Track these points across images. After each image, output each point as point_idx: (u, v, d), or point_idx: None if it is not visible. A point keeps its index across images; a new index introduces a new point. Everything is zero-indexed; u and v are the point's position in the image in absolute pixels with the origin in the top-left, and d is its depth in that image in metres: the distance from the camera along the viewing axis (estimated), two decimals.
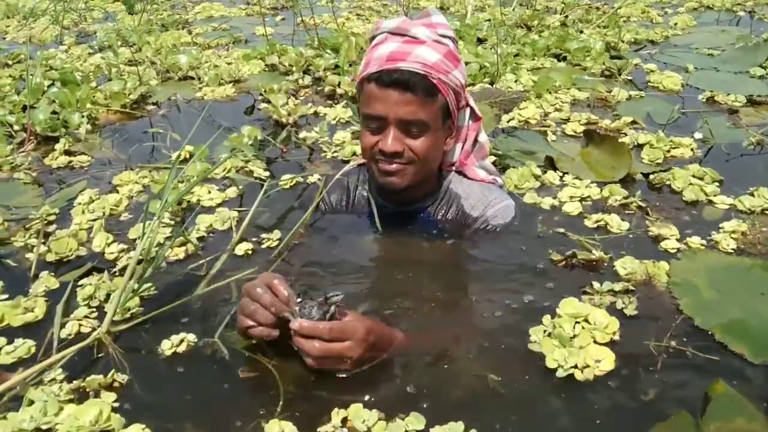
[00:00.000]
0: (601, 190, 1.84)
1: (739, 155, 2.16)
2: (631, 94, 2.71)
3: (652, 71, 3.02)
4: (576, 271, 1.47)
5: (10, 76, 3.35)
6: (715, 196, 1.80)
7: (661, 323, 1.28)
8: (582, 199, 1.80)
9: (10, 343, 1.35)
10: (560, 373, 1.13)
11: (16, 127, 2.61)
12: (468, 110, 1.53)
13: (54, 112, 2.66)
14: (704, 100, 2.68)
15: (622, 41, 3.46)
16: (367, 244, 1.63)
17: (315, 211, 1.64)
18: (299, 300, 1.12)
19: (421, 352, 1.20)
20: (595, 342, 1.19)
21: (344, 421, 1.07)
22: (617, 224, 1.63)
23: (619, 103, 2.65)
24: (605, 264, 1.49)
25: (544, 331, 1.23)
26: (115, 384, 1.20)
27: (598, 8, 4.32)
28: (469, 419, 1.03)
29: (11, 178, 2.23)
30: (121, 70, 3.33)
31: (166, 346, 1.28)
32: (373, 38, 1.45)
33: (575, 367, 1.13)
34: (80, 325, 1.41)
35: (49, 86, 3.01)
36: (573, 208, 1.74)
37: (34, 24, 4.66)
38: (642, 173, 1.97)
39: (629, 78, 2.94)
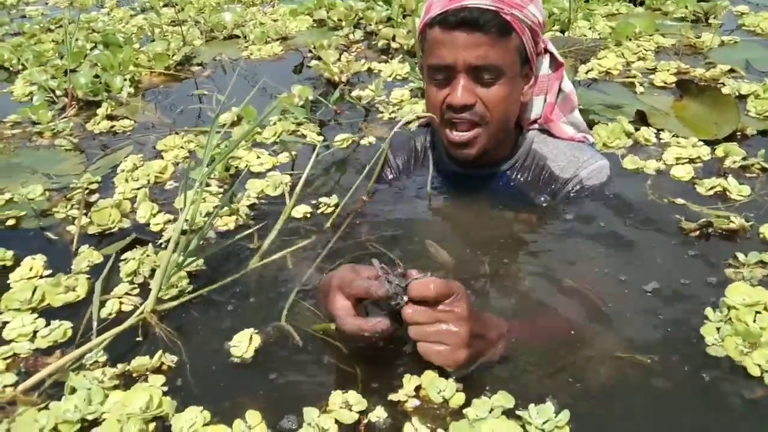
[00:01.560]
0: (714, 150, 1.58)
1: None
2: (723, 40, 2.40)
3: (744, 14, 2.68)
4: (712, 241, 1.24)
5: (53, 40, 3.26)
6: None
7: None
8: (691, 161, 1.54)
9: (47, 325, 1.22)
10: None
11: (58, 92, 2.50)
12: (548, 57, 1.32)
13: (96, 76, 2.53)
14: None
15: None
16: (438, 212, 1.43)
17: (379, 175, 1.46)
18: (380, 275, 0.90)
19: (530, 341, 0.99)
20: None
21: (417, 389, 0.91)
22: (737, 189, 1.38)
23: (711, 50, 2.34)
24: (747, 233, 1.25)
25: (717, 329, 0.99)
26: (164, 366, 1.07)
27: None
28: None
29: (53, 144, 2.11)
30: (164, 31, 3.18)
31: (237, 352, 1.08)
32: None
33: None
34: (121, 303, 1.28)
35: (91, 49, 2.89)
36: (684, 172, 1.48)
37: None
38: (759, 130, 1.70)
39: (720, 22, 2.61)
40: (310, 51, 2.71)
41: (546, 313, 1.09)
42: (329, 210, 1.50)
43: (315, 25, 3.12)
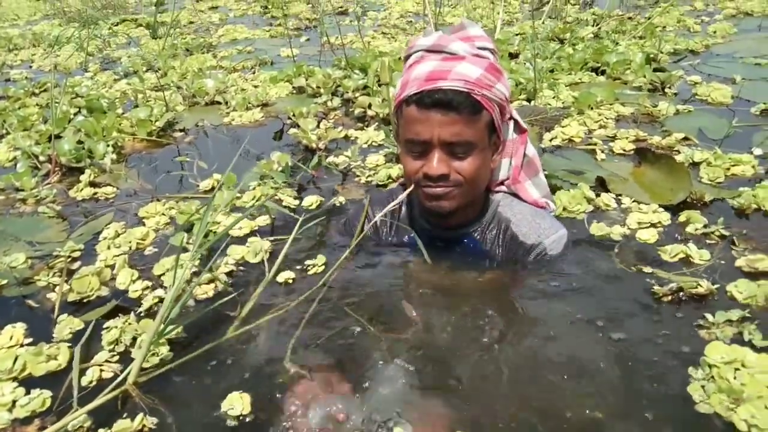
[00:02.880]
0: (677, 216, 1.70)
1: None
2: (678, 109, 2.56)
3: (697, 83, 2.86)
4: (684, 304, 1.33)
5: (37, 104, 3.33)
6: None
7: None
8: (652, 225, 1.65)
9: (27, 394, 1.25)
10: None
11: (41, 158, 2.55)
12: (512, 123, 1.43)
13: (80, 142, 2.60)
14: (758, 112, 2.52)
15: (662, 52, 3.31)
16: (411, 273, 1.50)
17: (361, 230, 1.55)
18: None
19: None
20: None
21: None
22: (698, 255, 1.48)
23: (667, 118, 2.50)
24: (715, 295, 1.35)
25: (702, 387, 1.07)
26: (145, 429, 1.12)
27: (631, 18, 4.18)
28: None
29: (36, 211, 2.15)
30: (147, 96, 3.28)
31: (230, 412, 1.13)
32: (408, 57, 1.35)
33: None
34: (102, 371, 1.31)
35: (75, 114, 2.97)
36: (649, 235, 1.59)
37: (59, 52, 4.66)
38: (713, 198, 1.82)
39: (674, 91, 2.79)
40: (290, 118, 2.82)
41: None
42: (314, 270, 1.56)
43: (294, 91, 3.24)
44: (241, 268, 1.70)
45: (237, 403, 1.13)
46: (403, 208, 1.53)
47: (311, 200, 2.03)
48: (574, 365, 1.15)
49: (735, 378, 1.06)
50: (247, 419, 1.11)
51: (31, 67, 4.37)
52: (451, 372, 1.14)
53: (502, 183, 1.49)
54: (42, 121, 3.03)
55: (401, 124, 1.33)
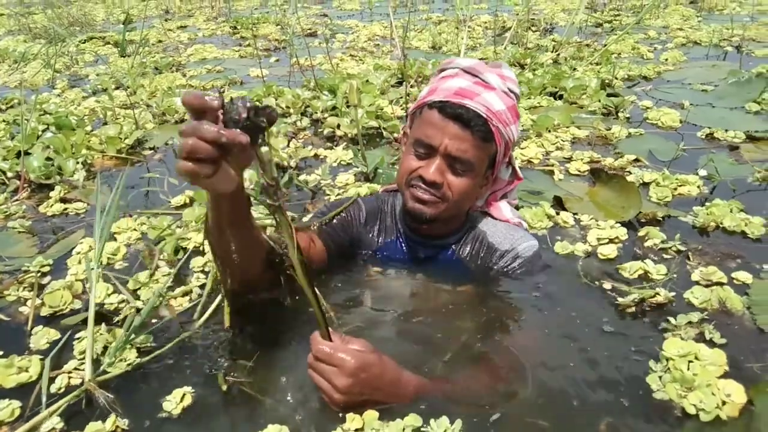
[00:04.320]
0: (636, 232, 1.84)
1: (745, 191, 2.14)
2: (630, 132, 2.71)
3: (648, 108, 3.03)
4: (647, 313, 1.47)
5: (4, 120, 3.30)
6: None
7: (752, 345, 1.31)
8: (610, 241, 1.77)
9: None
10: (705, 417, 1.10)
11: (9, 174, 2.55)
12: (510, 168, 1.53)
13: (48, 159, 2.61)
14: (703, 136, 2.69)
15: (616, 78, 3.49)
16: (391, 279, 1.56)
17: (346, 221, 1.55)
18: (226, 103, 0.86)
19: (450, 399, 1.12)
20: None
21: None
22: (656, 270, 1.61)
23: (620, 141, 2.64)
24: (672, 303, 1.49)
25: (659, 377, 1.19)
26: (118, 430, 1.17)
27: (588, 45, 4.38)
28: None
29: (5, 227, 2.16)
30: (116, 114, 3.29)
31: (169, 407, 1.21)
32: (442, 70, 1.45)
33: (717, 407, 1.11)
34: (70, 377, 1.36)
35: (43, 131, 2.97)
36: (610, 250, 1.72)
37: (26, 68, 4.63)
38: (663, 215, 1.95)
39: (627, 116, 2.95)
40: None
41: (475, 371, 1.23)
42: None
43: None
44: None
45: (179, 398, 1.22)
46: (388, 211, 1.58)
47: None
48: (546, 366, 1.25)
49: (688, 369, 1.18)
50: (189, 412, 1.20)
51: None
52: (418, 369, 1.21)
53: (478, 206, 1.58)
54: (9, 137, 3.02)
55: (416, 123, 1.40)
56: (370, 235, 1.57)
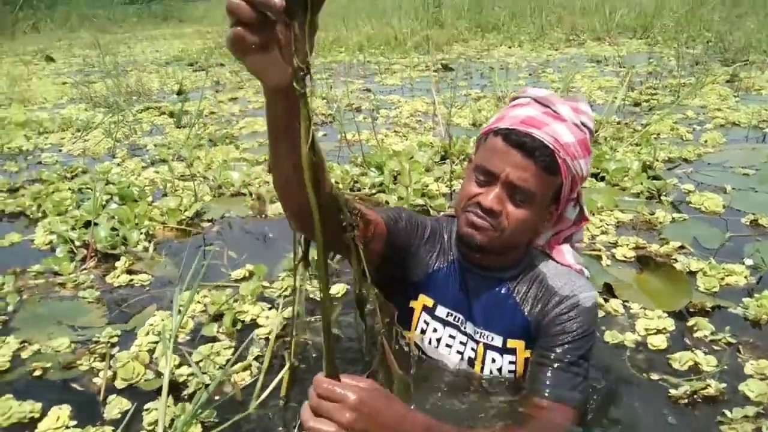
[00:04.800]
0: (685, 322, 1.88)
1: None
2: (674, 217, 2.76)
3: (690, 192, 3.09)
4: (699, 405, 1.50)
5: (69, 189, 3.51)
6: None
7: None
8: (658, 331, 1.81)
9: None
10: None
11: (77, 243, 2.71)
12: (578, 207, 1.46)
13: (114, 229, 2.78)
14: (747, 222, 2.72)
15: (657, 160, 3.56)
16: (437, 299, 1.50)
17: (412, 227, 1.47)
18: None
19: None
20: None
21: None
22: (706, 362, 1.64)
23: (664, 226, 2.69)
24: (724, 396, 1.52)
25: None
26: None
27: (627, 125, 4.48)
28: None
29: (75, 296, 2.29)
30: (175, 185, 3.48)
31: None
32: (515, 98, 1.42)
33: None
34: None
35: (107, 201, 3.15)
36: (659, 341, 1.76)
37: (88, 137, 4.92)
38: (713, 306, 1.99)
39: (669, 200, 3.01)
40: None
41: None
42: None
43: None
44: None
45: None
46: (446, 236, 1.52)
47: (338, 288, 2.19)
48: None
49: None
50: None
51: (60, 150, 4.60)
52: None
53: (540, 246, 1.50)
54: (75, 206, 3.21)
55: (480, 150, 1.37)
56: (427, 256, 1.49)
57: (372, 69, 7.97)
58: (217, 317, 2.08)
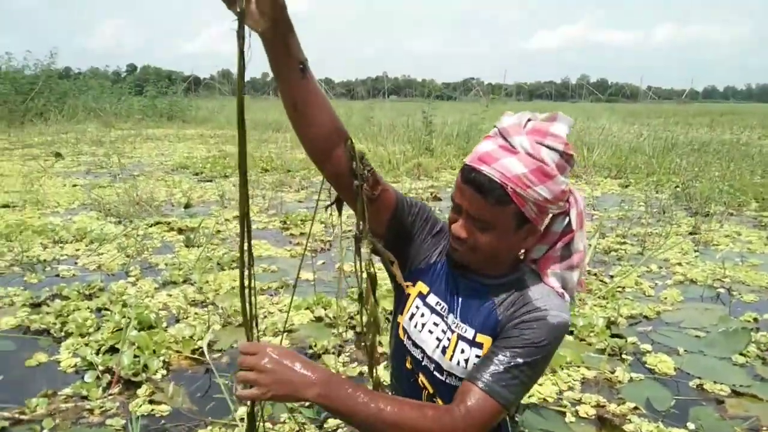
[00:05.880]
0: None
1: None
2: (632, 377, 3.15)
3: (648, 352, 3.50)
4: None
5: (89, 308, 3.85)
6: None
7: None
8: None
9: None
10: None
11: (101, 367, 3.02)
12: (566, 219, 1.51)
13: (135, 355, 3.10)
14: (695, 386, 3.11)
15: (621, 316, 4.00)
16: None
17: (426, 216, 1.64)
18: None
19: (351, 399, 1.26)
20: None
21: None
22: None
23: (623, 385, 3.08)
24: None
25: None
26: None
27: (597, 275, 4.96)
28: None
29: (103, 423, 2.58)
30: (187, 311, 3.83)
31: None
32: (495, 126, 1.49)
33: None
34: None
35: (126, 326, 3.48)
36: None
37: (101, 249, 5.30)
38: None
39: (628, 358, 3.41)
40: (311, 347, 3.36)
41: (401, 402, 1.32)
42: None
43: (314, 320, 3.83)
44: None
45: None
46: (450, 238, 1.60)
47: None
48: None
49: None
50: None
51: (76, 263, 4.95)
52: None
53: (534, 261, 1.57)
54: (96, 327, 3.54)
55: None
56: (431, 248, 1.63)
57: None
58: None
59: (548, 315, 1.41)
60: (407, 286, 1.62)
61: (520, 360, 1.36)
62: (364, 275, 1.54)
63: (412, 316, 1.59)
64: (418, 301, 1.60)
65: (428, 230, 1.62)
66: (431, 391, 1.58)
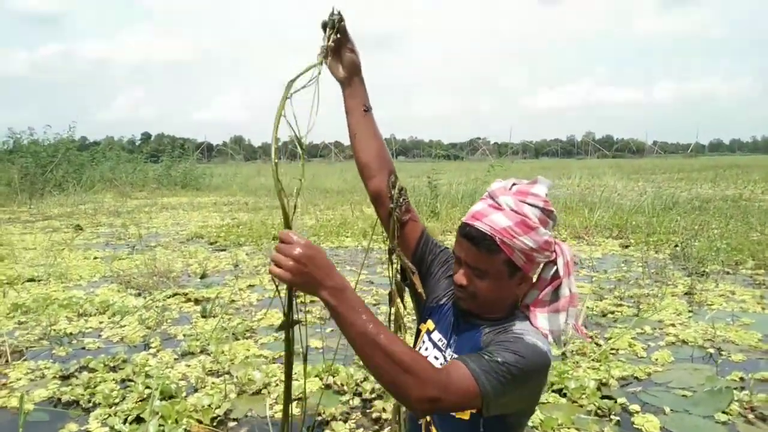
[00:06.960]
0: None
1: None
2: None
3: (636, 412, 3.72)
4: None
5: (114, 380, 4.15)
6: None
7: None
8: None
9: None
10: None
11: None
12: (554, 267, 1.64)
13: (160, 425, 3.38)
14: None
15: (613, 377, 4.24)
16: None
17: (442, 256, 1.87)
18: None
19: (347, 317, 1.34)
20: None
21: None
22: None
23: None
24: None
25: None
26: None
27: (591, 338, 5.20)
28: None
29: None
30: (205, 380, 4.12)
31: None
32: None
33: None
34: None
35: (149, 396, 3.77)
36: None
37: (124, 322, 5.63)
38: None
39: (617, 419, 3.64)
40: (319, 414, 3.62)
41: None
42: None
43: (323, 387, 4.10)
44: None
45: None
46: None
47: None
48: None
49: None
50: None
51: (100, 336, 5.28)
52: None
53: (527, 306, 1.69)
54: (121, 397, 3.83)
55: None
56: (443, 290, 1.83)
57: (374, 258, 8.88)
58: None
59: (524, 335, 1.54)
60: (420, 324, 1.85)
61: (499, 359, 1.46)
62: (394, 279, 1.87)
63: (419, 350, 1.78)
64: (425, 337, 1.80)
65: (444, 271, 1.84)
66: (429, 420, 1.73)
